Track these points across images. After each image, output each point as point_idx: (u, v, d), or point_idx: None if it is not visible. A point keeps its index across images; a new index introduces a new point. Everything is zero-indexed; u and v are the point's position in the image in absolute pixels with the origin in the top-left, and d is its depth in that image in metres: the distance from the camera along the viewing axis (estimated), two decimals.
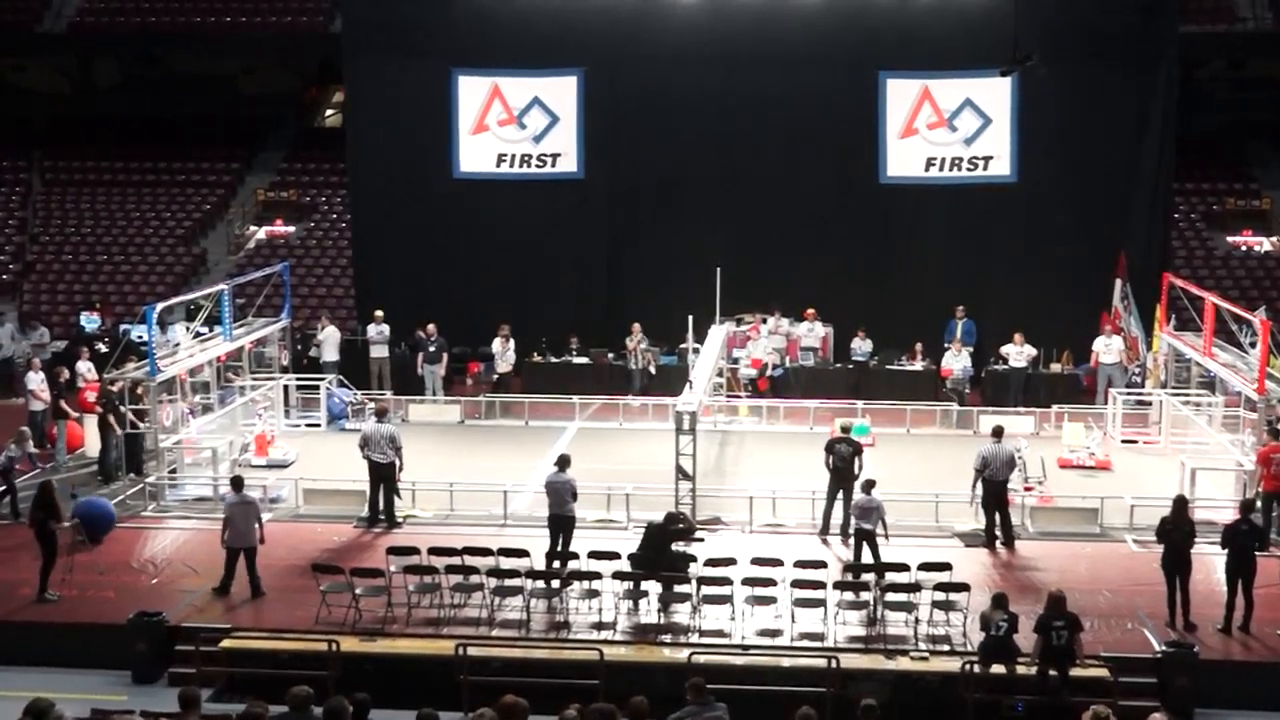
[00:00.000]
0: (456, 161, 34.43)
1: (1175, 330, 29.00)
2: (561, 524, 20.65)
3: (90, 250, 40.79)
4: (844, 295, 33.00)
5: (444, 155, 34.36)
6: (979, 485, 21.72)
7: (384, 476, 22.75)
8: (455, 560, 19.31)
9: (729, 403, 30.34)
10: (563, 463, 21.02)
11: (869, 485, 20.69)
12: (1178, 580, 18.60)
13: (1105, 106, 32.42)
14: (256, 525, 19.80)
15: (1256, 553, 18.54)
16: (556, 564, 20.04)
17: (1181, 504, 19.16)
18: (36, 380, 27.69)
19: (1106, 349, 30.20)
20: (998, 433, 22.33)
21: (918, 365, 31.90)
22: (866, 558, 20.13)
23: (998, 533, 21.75)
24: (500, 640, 18.19)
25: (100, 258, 40.44)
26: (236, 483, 20.33)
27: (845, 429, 23.10)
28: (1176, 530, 18.73)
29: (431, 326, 31.72)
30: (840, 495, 22.07)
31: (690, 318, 27.60)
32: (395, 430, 23.26)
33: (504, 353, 31.77)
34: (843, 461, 22.04)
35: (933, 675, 17.27)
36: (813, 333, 32.57)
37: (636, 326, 31.98)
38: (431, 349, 31.48)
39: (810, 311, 32.58)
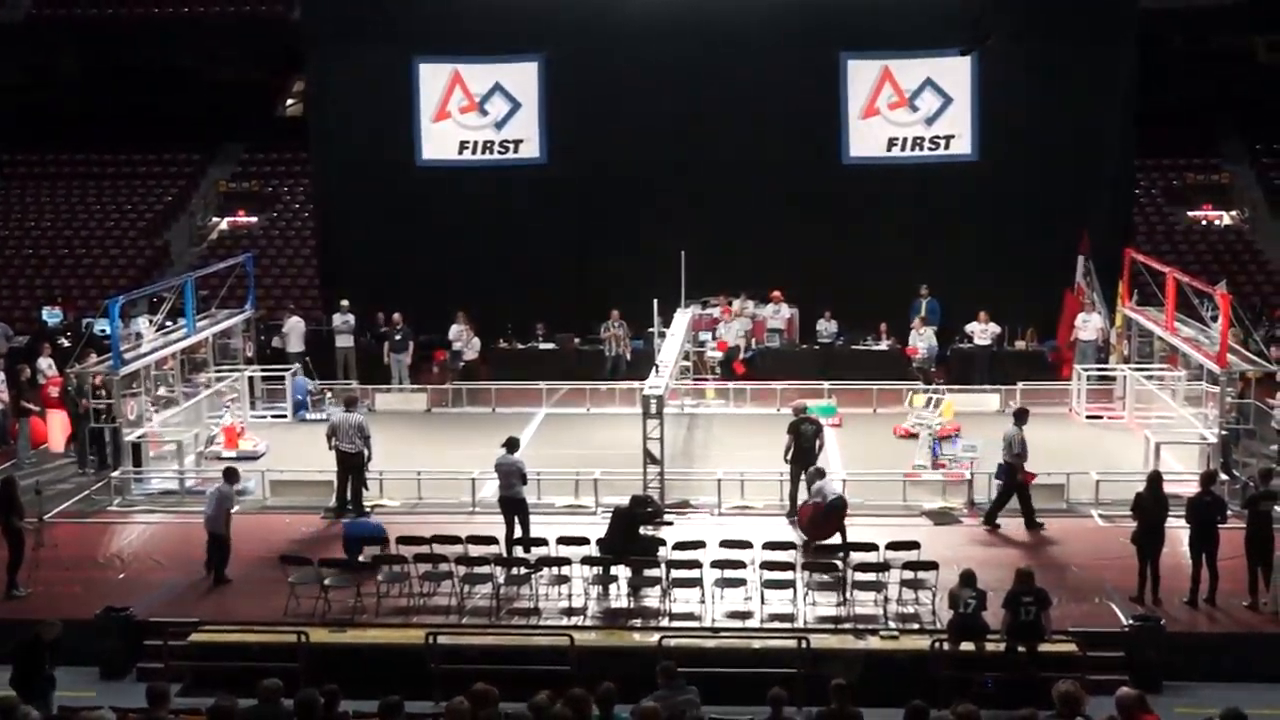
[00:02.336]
0: (419, 149, 34.34)
1: (1137, 305, 29.14)
2: (512, 506, 20.68)
3: (51, 244, 40.57)
4: (809, 277, 33.00)
5: (406, 143, 34.25)
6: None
7: (352, 466, 22.66)
8: (424, 549, 19.28)
9: (696, 386, 30.36)
10: (510, 445, 21.02)
11: (820, 474, 21.03)
12: (1149, 556, 18.72)
13: (1065, 84, 32.52)
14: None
15: (1218, 525, 18.67)
16: (519, 549, 20.03)
17: (1156, 480, 19.22)
18: None
19: (1084, 325, 30.31)
20: (1019, 415, 22.33)
21: (884, 345, 31.99)
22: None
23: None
24: (470, 628, 18.19)
25: (62, 251, 40.22)
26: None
27: (801, 409, 23.11)
28: (1156, 506, 18.82)
29: (397, 315, 31.69)
30: (804, 475, 22.11)
31: (656, 301, 27.59)
32: (364, 419, 23.17)
33: (468, 340, 31.74)
34: (807, 441, 22.12)
35: (903, 654, 17.32)
36: (779, 314, 32.63)
37: (615, 313, 31.94)
38: (398, 338, 31.47)
39: (776, 293, 32.63)
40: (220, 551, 19.97)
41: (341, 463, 22.72)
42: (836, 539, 20.15)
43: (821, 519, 20.44)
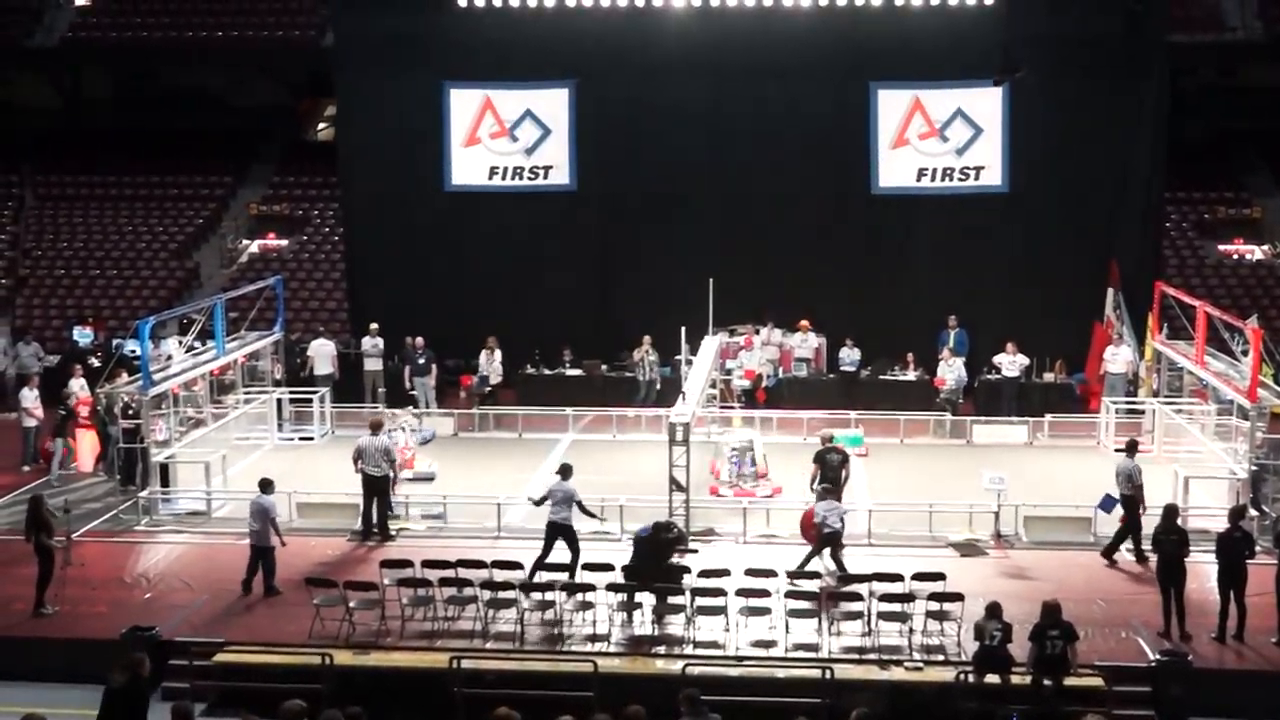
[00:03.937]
0: (448, 174, 34.47)
1: (1167, 339, 29.03)
2: (556, 531, 20.69)
3: (83, 265, 40.74)
4: (837, 306, 33.01)
5: (436, 168, 34.39)
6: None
7: (377, 490, 22.76)
8: (449, 573, 19.32)
9: (722, 414, 30.30)
10: (564, 471, 21.11)
11: (828, 491, 21.04)
12: (1172, 590, 18.62)
13: (1095, 116, 32.47)
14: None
15: (1246, 560, 18.55)
16: (541, 573, 20.03)
17: (1171, 512, 19.18)
18: (30, 397, 27.67)
19: (1114, 358, 30.21)
20: (1129, 447, 22.38)
21: (911, 375, 31.91)
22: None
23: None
24: (494, 652, 18.17)
25: (93, 272, 40.39)
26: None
27: (828, 439, 23.15)
28: (1167, 539, 18.77)
29: (420, 339, 31.74)
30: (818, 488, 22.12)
31: (683, 329, 27.61)
32: (389, 443, 23.29)
33: (489, 363, 31.68)
34: (833, 471, 22.13)
35: (927, 685, 17.27)
36: (806, 343, 32.57)
37: (647, 339, 31.97)
38: (421, 361, 31.51)
39: (804, 323, 32.58)
40: (268, 563, 20.13)
41: (367, 486, 22.79)
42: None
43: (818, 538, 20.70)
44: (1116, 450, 27.49)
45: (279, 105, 47.70)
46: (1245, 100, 43.15)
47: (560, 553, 20.56)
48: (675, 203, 33.61)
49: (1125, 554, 21.71)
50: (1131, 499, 21.55)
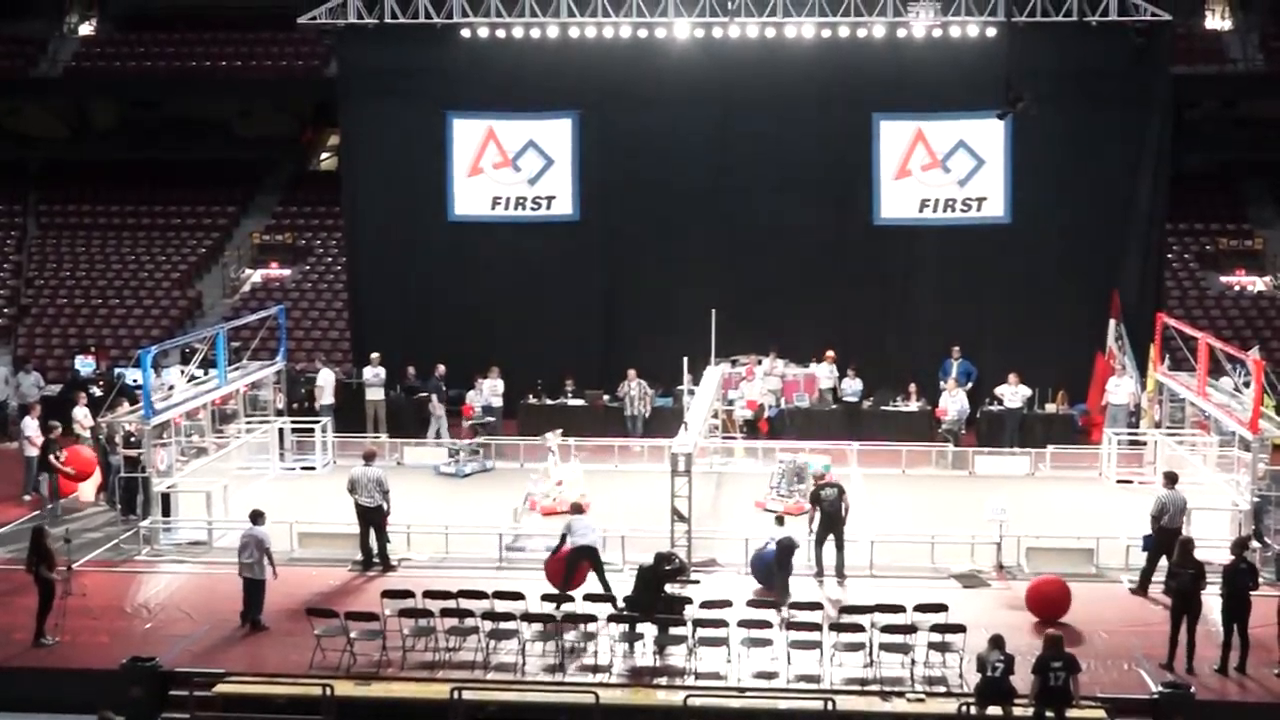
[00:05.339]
0: (451, 204, 34.50)
1: (1169, 370, 29.01)
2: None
3: (85, 294, 40.81)
4: (839, 337, 32.99)
5: (439, 198, 34.42)
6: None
7: (371, 520, 22.74)
8: (450, 603, 19.29)
9: (724, 444, 30.29)
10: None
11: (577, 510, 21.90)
12: (1185, 622, 18.56)
13: (1098, 147, 32.52)
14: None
15: (1250, 592, 18.51)
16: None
17: (1187, 546, 19.11)
18: (32, 426, 27.65)
19: (1116, 389, 30.21)
20: (1172, 479, 22.33)
21: (913, 406, 31.89)
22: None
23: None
24: (495, 683, 18.15)
25: (95, 301, 40.46)
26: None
27: (820, 476, 23.25)
28: (1183, 572, 18.71)
29: (441, 367, 31.78)
30: (831, 537, 22.18)
31: (685, 359, 27.61)
32: (383, 474, 23.15)
33: (478, 395, 31.60)
34: (831, 505, 22.14)
35: (929, 717, 17.24)
36: (832, 374, 32.49)
37: (631, 372, 31.99)
38: (444, 388, 31.55)
39: (829, 354, 32.55)
40: (258, 597, 20.07)
41: (361, 516, 22.78)
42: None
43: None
44: (1119, 481, 27.83)
45: (283, 135, 47.92)
46: (1247, 132, 43.31)
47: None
48: (677, 233, 33.64)
49: (1128, 584, 21.69)
50: (1175, 532, 21.31)
